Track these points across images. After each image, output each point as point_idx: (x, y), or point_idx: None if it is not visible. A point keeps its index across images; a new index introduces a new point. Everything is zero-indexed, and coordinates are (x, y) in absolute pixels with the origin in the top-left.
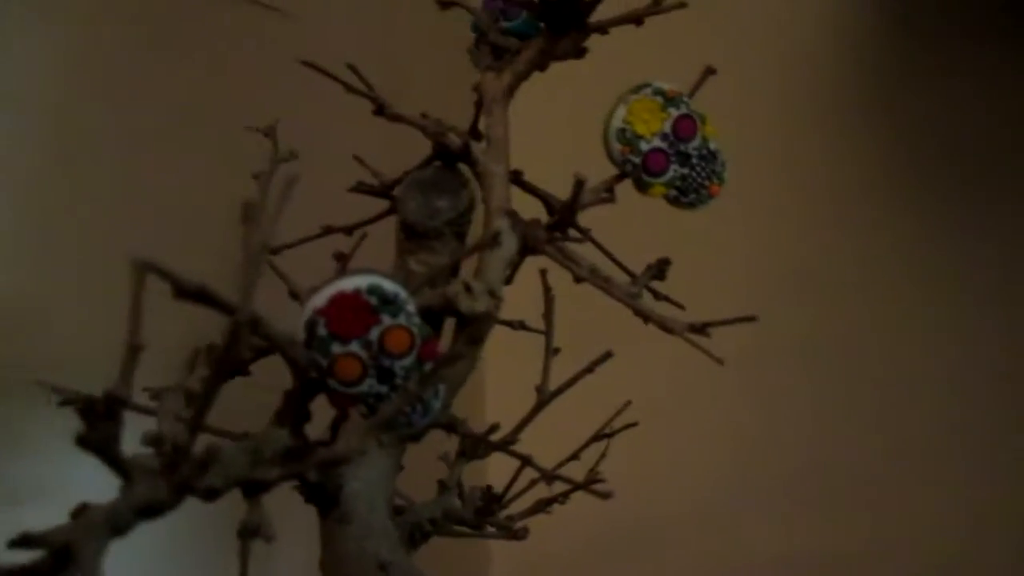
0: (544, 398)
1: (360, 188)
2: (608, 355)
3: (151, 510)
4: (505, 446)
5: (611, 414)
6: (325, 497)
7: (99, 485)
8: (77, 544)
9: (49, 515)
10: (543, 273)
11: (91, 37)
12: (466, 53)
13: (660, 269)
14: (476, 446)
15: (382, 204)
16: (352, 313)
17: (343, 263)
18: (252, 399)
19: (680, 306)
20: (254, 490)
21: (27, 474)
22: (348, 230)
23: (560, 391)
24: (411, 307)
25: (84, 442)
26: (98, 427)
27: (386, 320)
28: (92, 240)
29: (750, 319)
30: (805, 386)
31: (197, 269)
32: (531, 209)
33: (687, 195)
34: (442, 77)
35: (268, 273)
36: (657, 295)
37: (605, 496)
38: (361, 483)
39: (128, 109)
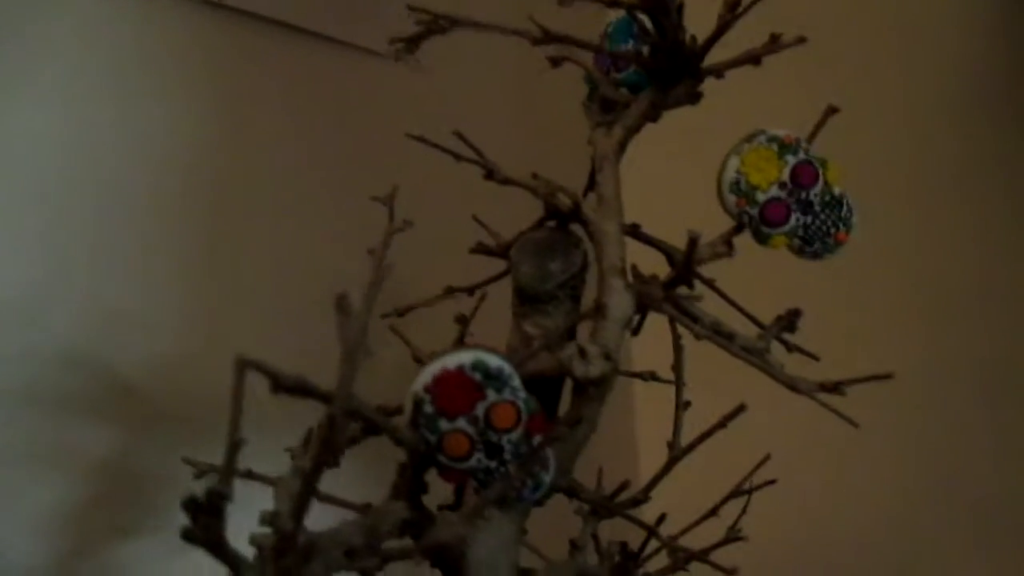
0: (676, 454)
1: (479, 249)
2: (742, 408)
3: None
4: (634, 505)
5: (750, 467)
6: (449, 564)
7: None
8: None
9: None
10: (672, 323)
11: (225, 99)
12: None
13: (790, 321)
14: (606, 506)
15: (501, 265)
16: (457, 390)
17: (464, 326)
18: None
19: (814, 357)
20: (368, 567)
21: None
22: (469, 290)
23: (692, 447)
24: (516, 381)
25: (189, 537)
26: (203, 522)
27: (491, 396)
28: (222, 301)
29: (886, 376)
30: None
31: (319, 333)
32: (651, 259)
33: (812, 244)
34: (579, 127)
35: (394, 339)
36: (789, 347)
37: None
38: (484, 550)
39: (262, 169)
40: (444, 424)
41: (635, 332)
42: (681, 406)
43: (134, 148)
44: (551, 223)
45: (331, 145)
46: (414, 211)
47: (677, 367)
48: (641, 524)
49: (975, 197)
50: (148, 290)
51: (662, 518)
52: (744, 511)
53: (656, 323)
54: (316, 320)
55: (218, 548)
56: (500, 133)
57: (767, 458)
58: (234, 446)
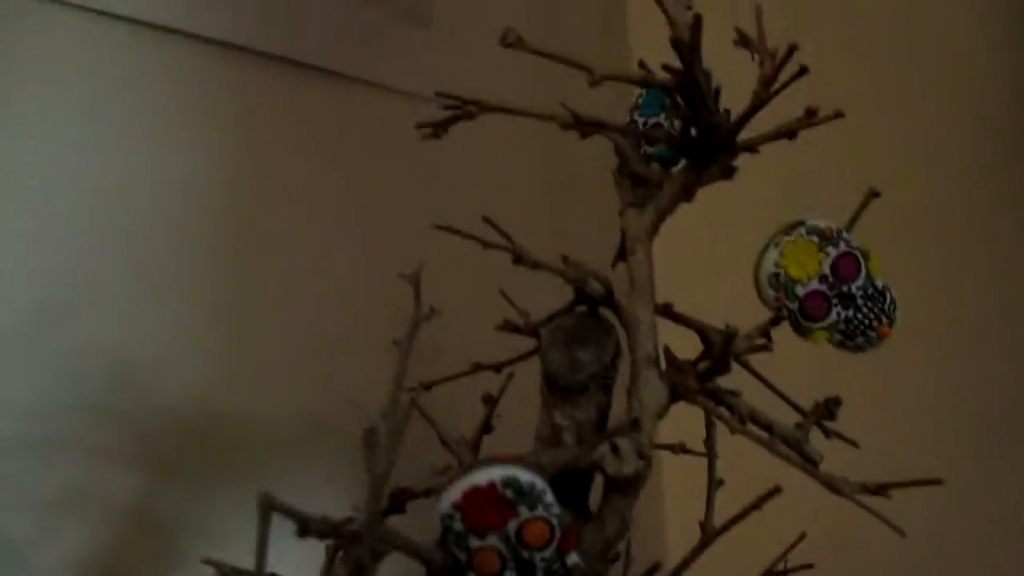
0: (709, 535)
1: (507, 327)
2: (777, 490)
3: None
4: None
5: (783, 547)
6: None
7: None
8: None
9: None
10: (703, 401)
11: (252, 142)
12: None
13: (829, 409)
14: None
15: (530, 344)
16: (488, 507)
17: (491, 406)
18: None
19: (854, 444)
20: None
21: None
22: (497, 368)
23: (726, 528)
24: (549, 497)
25: None
26: None
27: (523, 513)
28: (247, 344)
29: (936, 482)
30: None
31: (343, 375)
32: (685, 340)
33: (854, 339)
34: (608, 198)
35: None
36: (827, 432)
37: None
38: None
39: (288, 210)
40: (474, 541)
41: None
42: (714, 484)
43: (160, 192)
44: (581, 307)
45: (358, 187)
46: (441, 279)
47: (709, 443)
48: None
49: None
50: (172, 335)
51: None
52: None
53: None
54: (340, 363)
55: None
56: (527, 206)
57: (803, 537)
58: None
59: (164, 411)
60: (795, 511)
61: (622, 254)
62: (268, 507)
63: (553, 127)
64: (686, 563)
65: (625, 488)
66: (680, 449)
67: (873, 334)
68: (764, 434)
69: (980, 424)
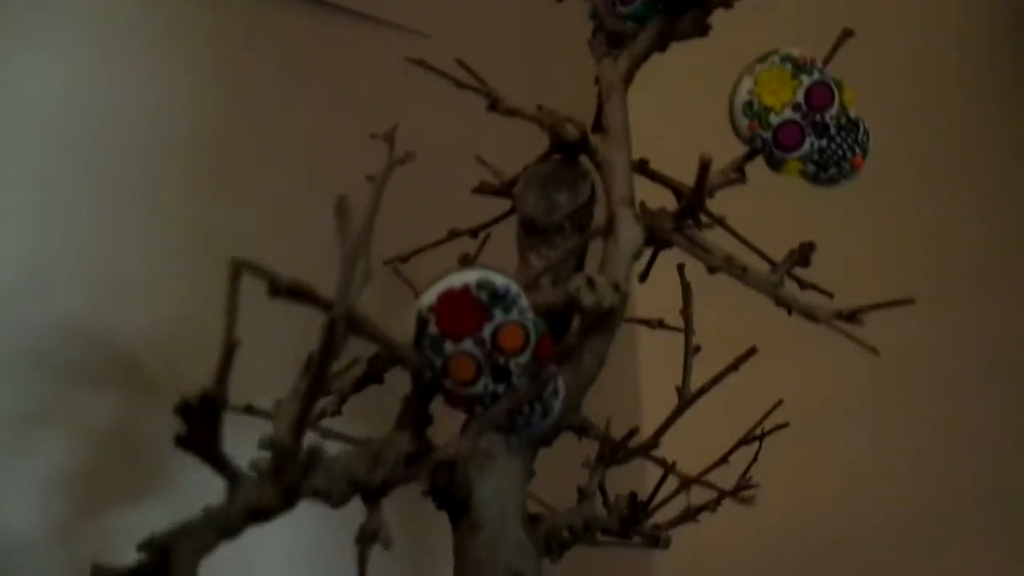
0: (686, 399)
1: (483, 189)
2: (752, 351)
3: (259, 514)
4: (646, 451)
5: (760, 415)
6: (455, 505)
7: None
8: (174, 547)
9: None
10: (680, 268)
11: (224, 67)
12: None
13: (804, 255)
14: (616, 451)
15: (505, 205)
16: (463, 310)
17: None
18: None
19: (828, 294)
20: (372, 496)
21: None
22: (473, 232)
23: (703, 391)
24: (524, 302)
25: (184, 443)
26: (197, 428)
27: (498, 316)
28: (223, 268)
29: (907, 302)
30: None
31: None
32: (660, 200)
33: (827, 170)
34: (584, 67)
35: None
36: (802, 284)
37: (748, 502)
38: (491, 490)
39: (261, 135)
40: (449, 347)
41: (643, 278)
42: (691, 351)
43: (133, 118)
44: (557, 156)
45: (331, 111)
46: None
47: (686, 311)
48: (659, 461)
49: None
50: (148, 258)
51: (672, 465)
52: (756, 458)
53: (662, 272)
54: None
55: (213, 456)
56: (504, 70)
57: (779, 403)
58: (229, 349)
59: (143, 332)
60: (770, 379)
61: (598, 121)
62: (238, 268)
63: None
64: (666, 425)
65: (601, 324)
66: (657, 324)
67: (847, 165)
68: (740, 272)
69: (957, 262)
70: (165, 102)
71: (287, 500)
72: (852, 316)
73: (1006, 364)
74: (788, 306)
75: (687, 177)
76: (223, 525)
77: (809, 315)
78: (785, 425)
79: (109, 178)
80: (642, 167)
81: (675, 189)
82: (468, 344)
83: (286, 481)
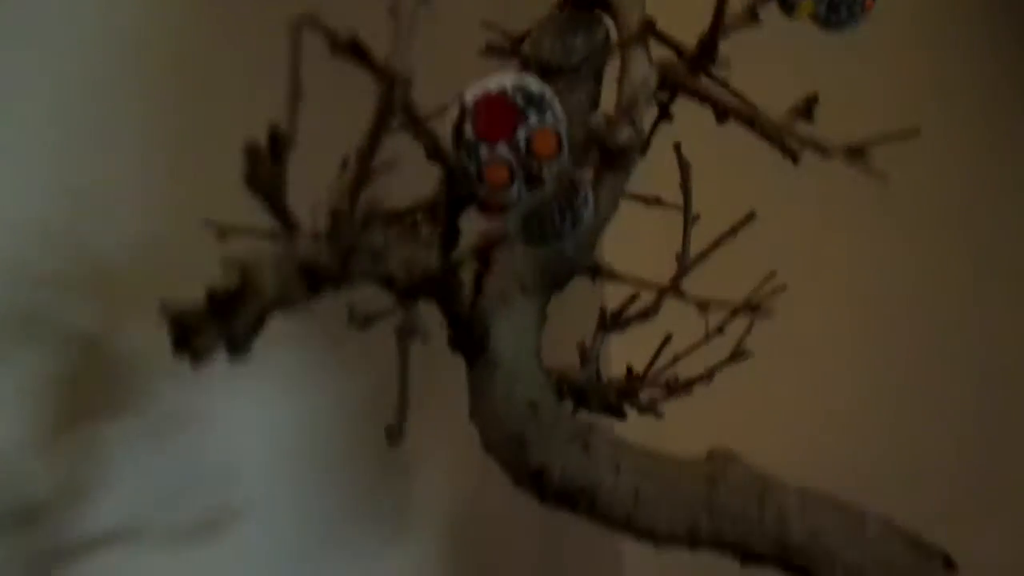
0: (685, 264)
1: (490, 50)
2: (751, 216)
3: (315, 275)
4: (645, 316)
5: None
6: (472, 344)
7: (254, 412)
8: (252, 270)
9: (205, 440)
10: (677, 147)
11: None
12: None
13: (808, 108)
14: (616, 319)
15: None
16: (499, 113)
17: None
18: None
19: (827, 151)
20: (406, 295)
21: (186, 402)
22: None
23: (702, 256)
24: (558, 108)
25: (250, 182)
26: (263, 169)
27: (533, 120)
28: (195, 176)
29: (913, 133)
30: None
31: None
32: None
33: (838, 11)
34: None
35: None
36: (803, 141)
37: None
38: (508, 327)
39: (230, 38)
40: (485, 152)
41: (643, 150)
42: (690, 220)
43: (119, 28)
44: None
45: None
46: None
47: (685, 185)
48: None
49: None
50: (131, 169)
51: (668, 338)
52: (750, 329)
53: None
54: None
55: (275, 200)
56: None
57: (773, 274)
58: (295, 97)
59: (123, 243)
60: (768, 249)
61: None
62: (300, 24)
63: None
64: (665, 291)
65: (618, 161)
66: (654, 201)
67: (857, 7)
68: (752, 113)
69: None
70: (127, 6)
71: (343, 263)
72: (860, 150)
73: None
74: (795, 155)
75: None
76: (281, 269)
77: (820, 148)
78: (783, 288)
79: (92, 89)
80: (650, 28)
81: (681, 53)
82: (503, 149)
83: (344, 241)
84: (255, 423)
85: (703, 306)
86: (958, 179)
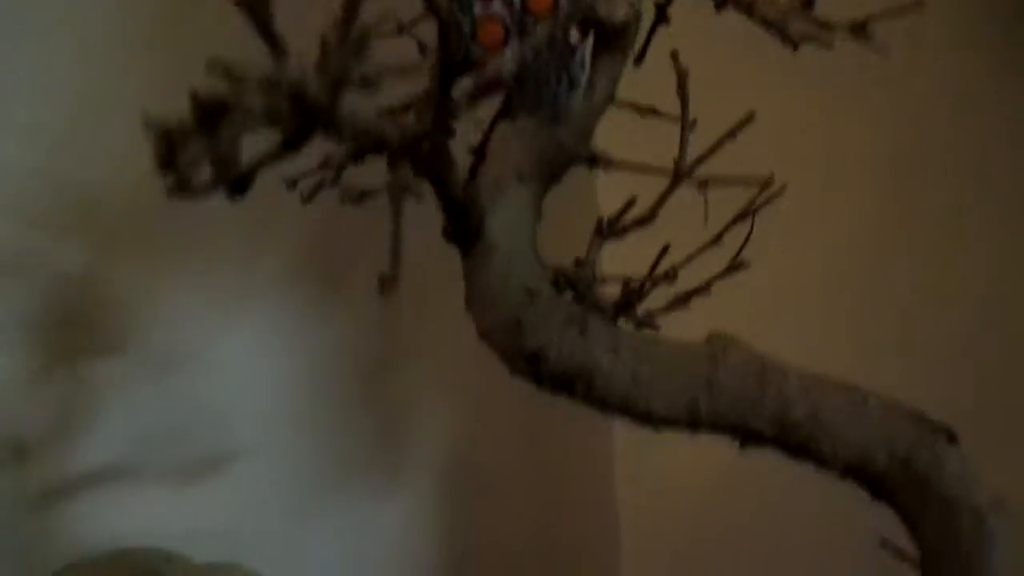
0: (683, 170)
1: None
2: (751, 116)
3: (305, 104)
4: (642, 223)
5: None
6: (468, 232)
7: (247, 354)
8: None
9: (199, 382)
10: (675, 55)
11: None
12: None
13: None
14: (613, 226)
15: None
16: None
17: None
18: None
19: (828, 45)
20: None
21: (181, 343)
22: None
23: (701, 160)
24: None
25: (238, 2)
26: None
27: None
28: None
29: (917, 3)
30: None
31: None
32: None
33: None
34: None
35: None
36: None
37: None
38: (504, 215)
39: None
40: (479, 6)
41: (638, 59)
42: (687, 125)
43: None
44: None
45: None
46: None
47: (682, 91)
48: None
49: None
50: (120, 111)
51: (666, 249)
52: (748, 237)
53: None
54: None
55: (261, 16)
56: None
57: (771, 179)
58: None
59: (111, 182)
60: (766, 154)
61: None
62: None
63: None
64: (662, 199)
65: (615, 41)
66: (650, 111)
67: None
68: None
69: None
70: None
71: (333, 94)
72: (863, 26)
73: None
74: (795, 42)
75: None
76: (270, 87)
77: (824, 25)
78: (783, 188)
79: (81, 32)
80: None
81: None
82: (498, 6)
83: (333, 72)
84: (249, 366)
85: (703, 184)
86: (959, 71)
